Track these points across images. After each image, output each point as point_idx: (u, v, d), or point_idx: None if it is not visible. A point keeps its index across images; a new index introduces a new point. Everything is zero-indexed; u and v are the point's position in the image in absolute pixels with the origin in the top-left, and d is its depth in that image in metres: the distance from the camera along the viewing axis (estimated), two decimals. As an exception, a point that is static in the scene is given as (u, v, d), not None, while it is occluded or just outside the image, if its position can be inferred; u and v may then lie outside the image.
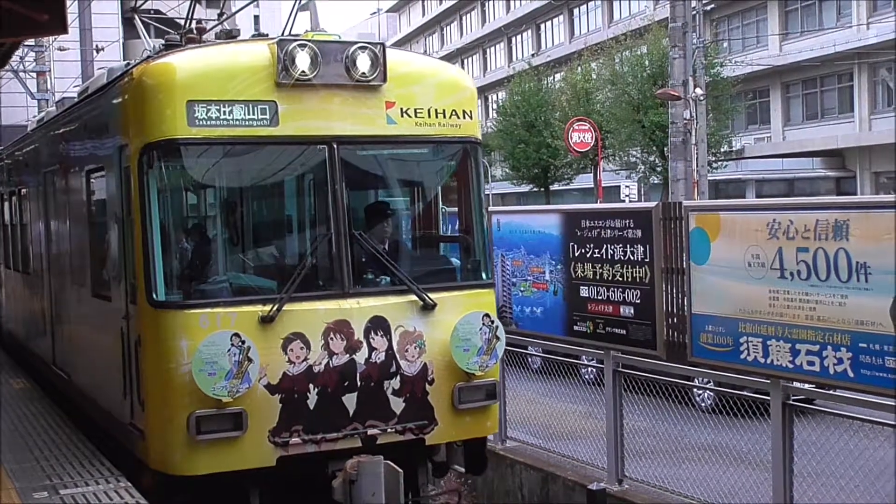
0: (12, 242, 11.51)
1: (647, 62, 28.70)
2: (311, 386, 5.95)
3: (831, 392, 6.13)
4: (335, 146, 6.17)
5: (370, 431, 6.12)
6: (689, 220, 6.66)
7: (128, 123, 6.25)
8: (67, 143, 8.40)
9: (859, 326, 5.49)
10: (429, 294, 6.30)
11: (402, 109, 6.37)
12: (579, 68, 35.02)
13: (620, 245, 7.39)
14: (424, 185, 7.25)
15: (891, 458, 5.93)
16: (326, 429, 6.00)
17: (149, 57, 6.44)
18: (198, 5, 7.47)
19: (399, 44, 62.36)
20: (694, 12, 21.43)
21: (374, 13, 77.49)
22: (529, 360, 9.85)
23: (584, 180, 35.34)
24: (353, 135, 6.27)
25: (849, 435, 6.22)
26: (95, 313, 7.32)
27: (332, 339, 6.01)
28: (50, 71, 26.68)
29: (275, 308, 5.88)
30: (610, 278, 7.51)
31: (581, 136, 24.93)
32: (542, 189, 36.89)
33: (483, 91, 51.29)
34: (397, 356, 6.18)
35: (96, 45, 23.40)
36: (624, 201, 29.15)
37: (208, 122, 5.85)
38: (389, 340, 6.16)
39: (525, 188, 38.18)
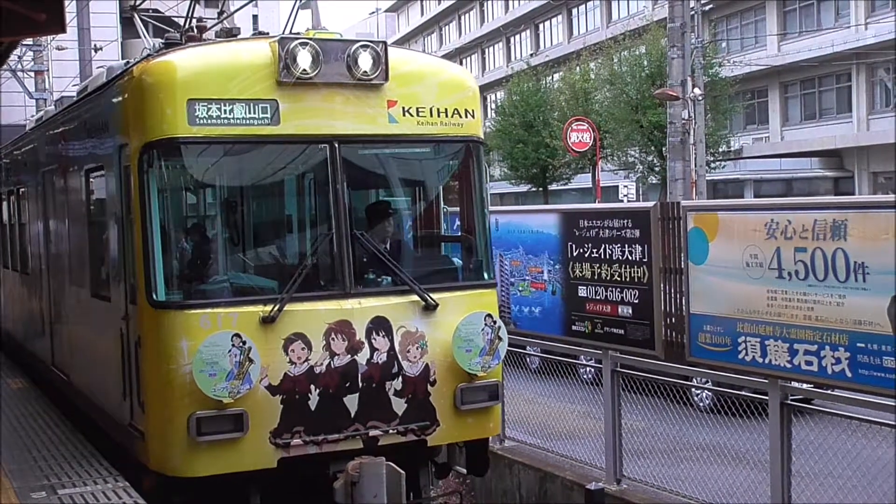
0: (11, 242, 11.47)
1: (645, 62, 28.73)
2: (312, 387, 5.92)
3: (829, 392, 6.15)
4: (336, 145, 6.14)
5: (372, 432, 6.08)
6: (687, 220, 6.69)
7: (128, 122, 6.22)
8: (67, 142, 8.36)
9: (857, 326, 5.51)
10: (431, 294, 6.27)
11: (403, 108, 6.34)
12: (578, 68, 35.06)
13: (619, 245, 7.41)
14: (426, 184, 7.20)
15: (888, 457, 5.95)
16: (328, 430, 5.97)
17: (149, 55, 6.40)
18: (196, 5, 7.44)
19: (397, 44, 62.06)
20: (692, 12, 21.46)
21: (373, 13, 77.50)
22: (528, 359, 9.87)
23: (583, 180, 35.37)
24: (354, 134, 6.23)
25: (847, 435, 6.24)
26: (95, 314, 7.29)
27: (333, 339, 5.98)
28: (48, 70, 26.62)
29: (276, 308, 5.85)
30: (608, 278, 7.52)
31: (579, 136, 24.92)
32: (541, 189, 36.90)
33: (482, 91, 50.68)
34: (399, 357, 6.16)
35: (94, 45, 23.36)
36: (622, 201, 29.21)
37: (209, 121, 5.81)
38: (391, 341, 6.13)
39: (523, 188, 38.20)
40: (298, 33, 6.41)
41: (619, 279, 7.42)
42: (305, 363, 5.91)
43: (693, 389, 9.19)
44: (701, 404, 9.41)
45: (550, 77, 39.77)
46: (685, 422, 8.25)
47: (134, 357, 6.21)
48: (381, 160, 6.74)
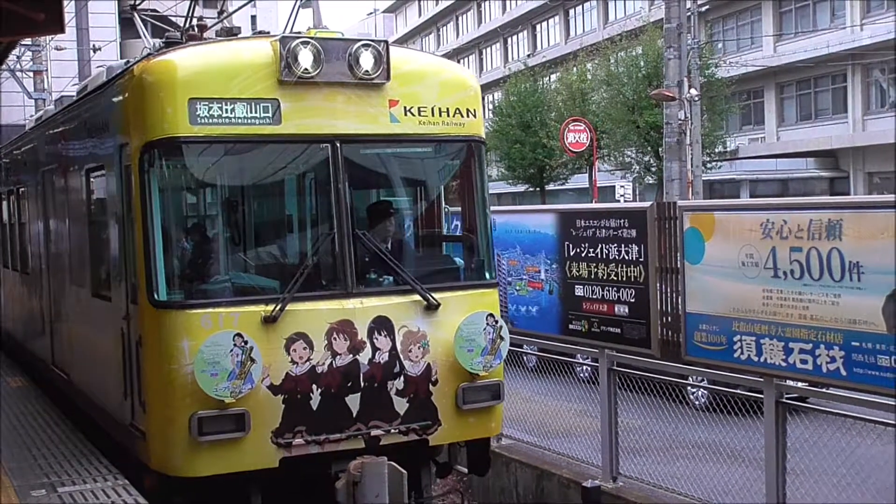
0: (11, 242, 11.43)
1: (642, 63, 28.82)
2: (314, 386, 5.92)
3: (824, 390, 6.17)
4: (338, 144, 6.14)
5: (373, 432, 6.08)
6: (683, 220, 6.70)
7: (128, 121, 6.22)
8: (67, 141, 8.34)
9: (852, 325, 5.53)
10: (432, 294, 6.27)
11: (405, 108, 6.33)
12: (575, 69, 35.07)
13: (615, 245, 7.43)
14: (428, 184, 7.19)
15: (883, 455, 5.97)
16: (329, 429, 5.96)
17: (149, 54, 6.38)
18: (196, 5, 7.43)
19: (396, 44, 62.29)
20: (689, 13, 21.51)
21: (371, 13, 77.39)
22: (525, 358, 9.87)
23: (580, 180, 35.43)
24: (356, 133, 6.22)
25: (841, 433, 6.23)
26: (95, 313, 7.28)
27: (335, 339, 5.98)
28: (47, 70, 26.62)
29: (277, 308, 5.85)
30: (605, 277, 7.55)
31: (576, 137, 24.96)
32: (538, 189, 36.97)
33: (479, 91, 51.29)
34: (401, 356, 6.15)
35: (93, 45, 23.38)
36: (619, 201, 29.23)
37: (210, 120, 5.80)
38: (393, 340, 6.13)
39: (521, 188, 38.24)
40: (300, 32, 6.40)
41: (615, 278, 7.44)
42: (307, 363, 5.91)
43: (689, 388, 9.16)
44: (697, 403, 9.41)
45: (547, 78, 39.85)
46: (681, 420, 8.20)
47: (135, 357, 6.21)
48: (383, 160, 6.74)
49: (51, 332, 9.00)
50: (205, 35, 7.07)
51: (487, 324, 6.37)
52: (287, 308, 5.87)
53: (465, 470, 6.99)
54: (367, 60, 6.09)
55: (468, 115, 6.56)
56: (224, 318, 5.76)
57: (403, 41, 67.69)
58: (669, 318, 7.08)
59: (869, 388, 5.55)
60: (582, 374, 9.64)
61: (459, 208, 7.12)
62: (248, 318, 5.81)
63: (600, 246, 7.57)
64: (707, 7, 32.50)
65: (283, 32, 6.55)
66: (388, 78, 6.20)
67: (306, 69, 5.95)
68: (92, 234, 7.36)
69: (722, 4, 35.38)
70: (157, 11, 11.54)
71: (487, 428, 6.65)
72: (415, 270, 6.44)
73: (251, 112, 5.90)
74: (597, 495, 7.25)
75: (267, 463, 5.85)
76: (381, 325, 6.10)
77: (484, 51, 59.33)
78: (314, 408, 5.92)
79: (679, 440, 8.27)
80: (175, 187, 6.28)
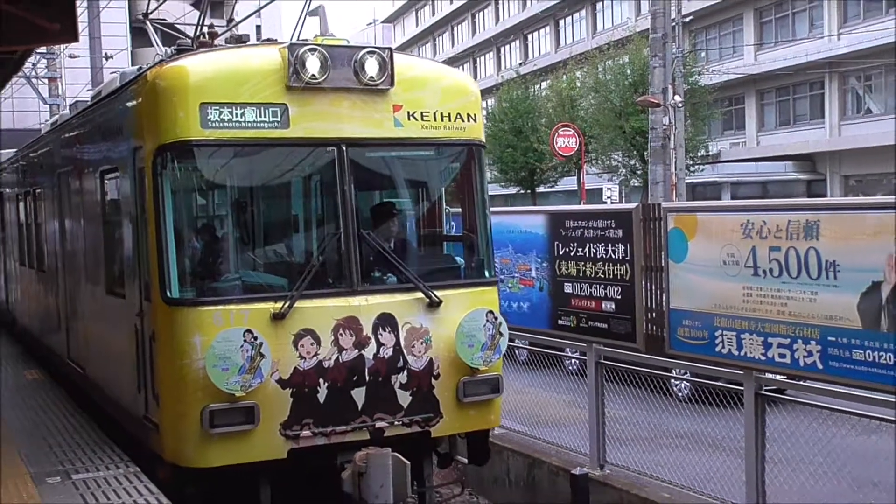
0: (27, 241, 11.38)
1: (628, 71, 29.12)
2: (321, 380, 5.99)
3: (801, 383, 6.34)
4: (344, 148, 6.20)
5: (378, 424, 6.15)
6: (667, 221, 6.80)
7: (142, 125, 6.29)
8: (82, 144, 8.37)
9: (828, 321, 5.60)
10: (434, 291, 6.34)
11: (408, 112, 6.40)
12: (564, 76, 35.36)
13: (602, 244, 7.55)
14: (430, 185, 7.26)
15: (857, 445, 6.10)
16: (336, 422, 6.04)
17: (162, 60, 6.40)
18: (205, 14, 7.54)
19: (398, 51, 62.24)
20: (673, 24, 21.71)
21: (370, 24, 76.87)
22: (516, 352, 9.98)
23: (569, 183, 35.68)
24: (361, 137, 6.28)
25: (818, 423, 6.32)
26: (110, 310, 7.35)
27: (341, 335, 6.05)
28: (61, 77, 26.66)
29: (286, 305, 5.92)
30: (592, 275, 7.66)
31: (566, 141, 25.20)
32: (529, 191, 37.20)
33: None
34: (404, 351, 6.23)
35: (105, 53, 23.45)
36: (606, 203, 29.44)
37: (221, 124, 5.86)
38: (397, 336, 6.20)
39: (512, 190, 38.38)
40: (307, 40, 6.45)
41: (602, 276, 7.55)
42: (314, 358, 5.98)
43: (672, 380, 9.22)
44: (680, 394, 9.44)
45: (538, 85, 40.04)
46: (665, 411, 8.29)
47: (148, 352, 6.28)
48: (387, 162, 6.82)
49: (66, 327, 9.02)
50: (215, 42, 7.13)
51: (487, 320, 6.45)
52: (295, 305, 5.95)
53: (465, 460, 7.07)
54: (372, 67, 6.17)
55: (469, 120, 6.64)
56: (235, 315, 5.84)
57: (401, 50, 67.54)
58: (654, 314, 7.19)
59: (844, 380, 5.63)
60: (571, 367, 9.58)
61: (460, 209, 7.20)
62: (257, 315, 5.88)
63: (588, 245, 7.69)
64: (691, 17, 32.83)
65: (291, 40, 6.63)
66: (392, 84, 6.27)
67: (313, 75, 6.02)
68: (106, 234, 7.42)
69: (705, 15, 35.68)
70: (167, 20, 11.62)
71: (487, 420, 6.74)
72: (417, 269, 6.52)
73: (260, 116, 5.96)
74: (584, 482, 7.38)
75: (275, 454, 5.93)
76: (386, 321, 6.19)
77: (478, 59, 59.41)
78: (321, 401, 6.00)
79: (663, 430, 8.37)
80: (187, 189, 6.30)
